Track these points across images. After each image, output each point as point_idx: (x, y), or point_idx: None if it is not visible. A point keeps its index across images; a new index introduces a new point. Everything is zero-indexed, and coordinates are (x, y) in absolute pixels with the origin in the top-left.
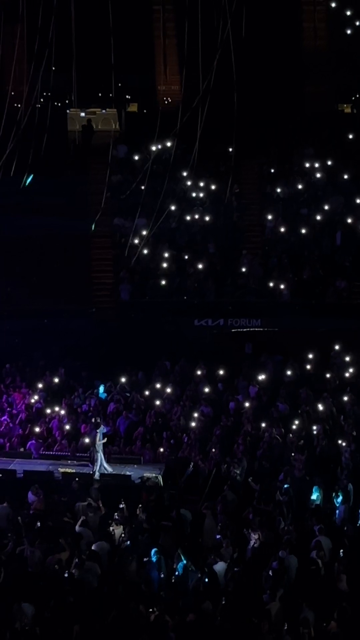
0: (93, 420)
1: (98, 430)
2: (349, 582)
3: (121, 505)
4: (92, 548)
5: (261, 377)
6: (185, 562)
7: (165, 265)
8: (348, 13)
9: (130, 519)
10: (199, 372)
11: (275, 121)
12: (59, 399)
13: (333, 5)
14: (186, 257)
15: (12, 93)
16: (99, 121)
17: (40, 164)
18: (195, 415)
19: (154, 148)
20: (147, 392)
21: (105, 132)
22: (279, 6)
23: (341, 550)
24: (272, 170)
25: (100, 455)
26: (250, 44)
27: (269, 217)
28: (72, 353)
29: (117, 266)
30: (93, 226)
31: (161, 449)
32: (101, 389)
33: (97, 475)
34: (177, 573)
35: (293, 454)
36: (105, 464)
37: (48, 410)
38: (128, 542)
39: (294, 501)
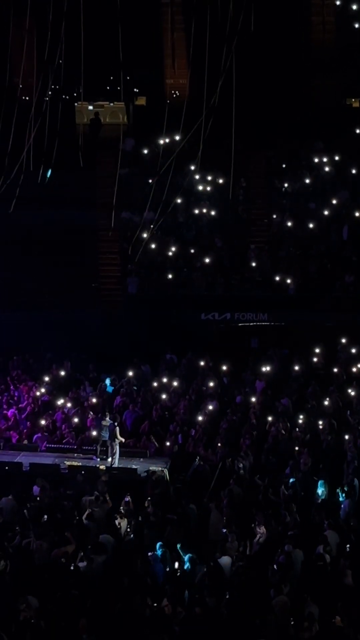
0: (102, 414)
1: (116, 423)
2: (354, 577)
3: (127, 499)
4: (99, 541)
5: (267, 371)
6: (189, 555)
7: (172, 259)
8: (354, 7)
9: (136, 512)
10: (204, 366)
11: (283, 115)
12: (66, 391)
13: (338, 3)
14: (193, 251)
15: (21, 86)
16: (107, 114)
17: (50, 157)
18: (202, 409)
19: (161, 142)
20: (153, 385)
21: (113, 125)
22: (288, 0)
23: (347, 546)
24: (280, 165)
25: (117, 447)
26: (258, 38)
27: (277, 211)
28: (79, 346)
29: (125, 259)
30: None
31: (167, 443)
32: (107, 381)
33: (103, 467)
34: (185, 566)
35: (298, 448)
36: (117, 457)
37: (56, 403)
38: (133, 535)
39: (300, 495)
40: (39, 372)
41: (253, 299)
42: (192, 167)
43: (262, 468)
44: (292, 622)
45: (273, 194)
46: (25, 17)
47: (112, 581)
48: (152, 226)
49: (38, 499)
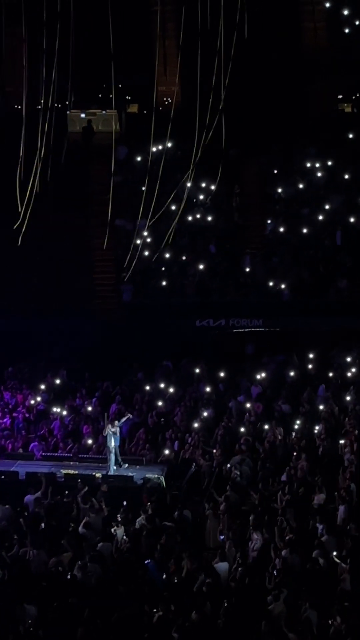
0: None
1: (112, 430)
2: (352, 582)
3: (123, 506)
4: (96, 549)
5: (263, 377)
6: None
7: (166, 266)
8: (346, 12)
9: (133, 519)
10: (200, 373)
11: (276, 121)
12: (61, 400)
13: (327, 5)
14: (187, 257)
15: (10, 93)
16: (99, 122)
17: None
18: (198, 415)
19: (154, 149)
20: (148, 393)
21: (106, 133)
22: (279, 6)
23: (344, 550)
24: (274, 171)
25: (112, 455)
26: (250, 44)
27: (270, 217)
28: (74, 354)
29: (119, 267)
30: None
31: (166, 451)
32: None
33: (99, 475)
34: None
35: (295, 454)
36: (112, 465)
37: (52, 411)
38: (130, 543)
39: (297, 501)
40: (34, 380)
41: (247, 304)
42: (186, 174)
43: (258, 474)
44: (289, 628)
45: (266, 200)
46: (18, 26)
47: (109, 589)
48: (145, 234)
49: (37, 509)
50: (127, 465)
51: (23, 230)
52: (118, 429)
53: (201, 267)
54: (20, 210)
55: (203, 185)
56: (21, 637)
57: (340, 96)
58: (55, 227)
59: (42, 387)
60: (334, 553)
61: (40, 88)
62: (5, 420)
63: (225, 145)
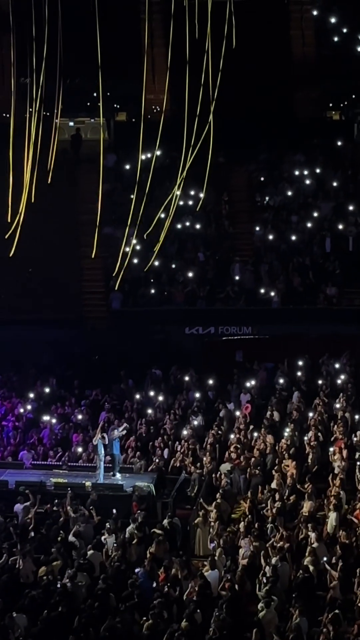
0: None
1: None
2: (342, 589)
3: (113, 515)
4: (86, 557)
5: (252, 384)
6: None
7: (155, 273)
8: (333, 20)
9: (123, 528)
10: (189, 380)
11: (264, 128)
12: (51, 408)
13: (315, 13)
14: (176, 265)
15: None
16: (88, 130)
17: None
18: (188, 423)
19: (143, 157)
20: (138, 401)
21: (94, 141)
22: (267, 14)
23: (333, 558)
24: (262, 178)
25: (102, 464)
26: (239, 51)
27: (259, 224)
28: (64, 362)
29: (108, 275)
30: None
31: (156, 460)
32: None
33: (88, 484)
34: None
35: (285, 461)
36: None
37: (41, 419)
38: (120, 552)
39: (287, 508)
40: (23, 389)
41: (237, 312)
42: (174, 182)
43: (248, 482)
44: (280, 636)
45: (255, 208)
46: (6, 34)
47: (99, 598)
48: (134, 242)
49: (26, 517)
50: (119, 476)
51: (15, 240)
52: (118, 438)
53: (190, 274)
54: (8, 220)
55: (192, 193)
56: None
57: (329, 104)
58: (44, 235)
59: (31, 395)
60: (324, 559)
61: (28, 96)
62: None
63: (213, 153)
